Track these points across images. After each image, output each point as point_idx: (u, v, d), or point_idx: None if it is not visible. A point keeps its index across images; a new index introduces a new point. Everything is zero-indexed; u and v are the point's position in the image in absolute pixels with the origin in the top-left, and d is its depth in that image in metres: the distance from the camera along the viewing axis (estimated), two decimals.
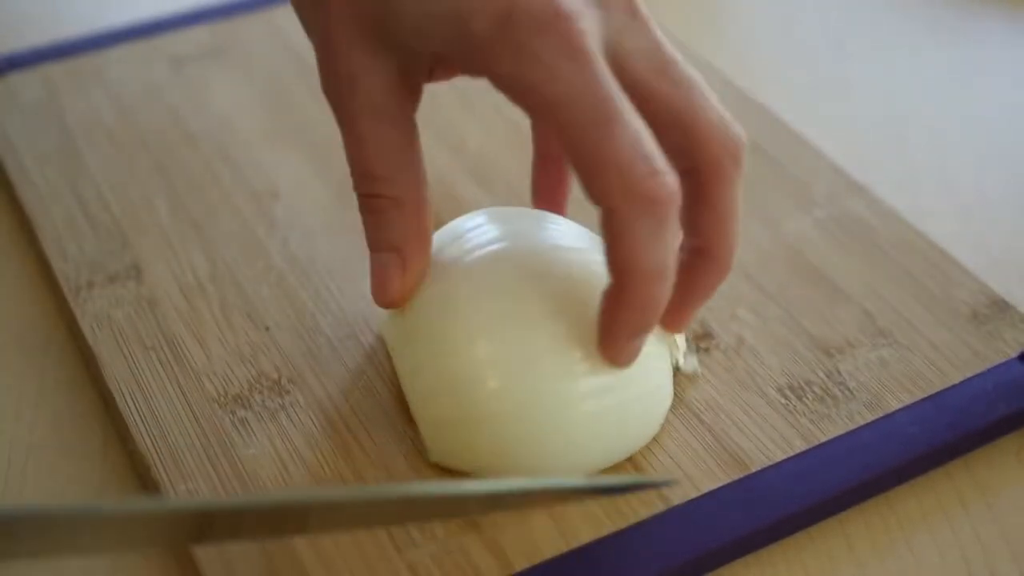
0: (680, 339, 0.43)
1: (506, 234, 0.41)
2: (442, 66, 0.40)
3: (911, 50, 0.64)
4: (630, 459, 0.41)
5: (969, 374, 0.43)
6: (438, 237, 0.42)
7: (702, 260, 0.38)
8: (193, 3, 0.64)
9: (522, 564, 0.38)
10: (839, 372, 0.43)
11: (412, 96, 0.39)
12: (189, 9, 0.63)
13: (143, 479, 0.42)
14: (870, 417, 0.42)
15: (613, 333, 0.37)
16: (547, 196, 0.45)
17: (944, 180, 0.55)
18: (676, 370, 0.42)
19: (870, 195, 0.51)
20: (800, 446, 0.41)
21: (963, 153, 0.57)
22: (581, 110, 0.34)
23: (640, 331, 0.37)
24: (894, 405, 0.42)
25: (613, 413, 0.39)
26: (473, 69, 0.36)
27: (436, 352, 0.39)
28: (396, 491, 0.34)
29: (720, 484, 0.40)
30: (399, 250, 0.39)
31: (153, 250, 0.49)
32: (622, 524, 0.39)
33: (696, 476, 0.40)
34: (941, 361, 0.44)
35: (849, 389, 0.43)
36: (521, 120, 0.41)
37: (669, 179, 0.35)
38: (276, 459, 0.41)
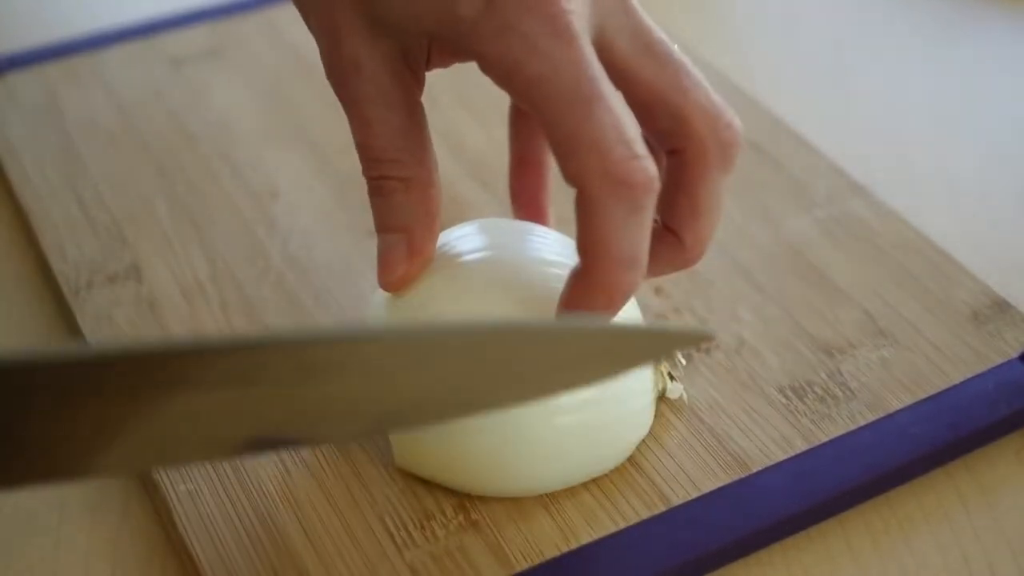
0: (668, 366, 0.42)
1: (489, 244, 0.40)
2: (437, 50, 0.40)
3: (911, 50, 0.64)
4: (630, 459, 0.41)
5: (970, 374, 0.43)
6: None
7: (669, 240, 0.37)
8: (193, 3, 0.64)
9: (522, 564, 0.38)
10: (840, 372, 0.43)
11: (416, 81, 0.39)
12: (189, 9, 0.63)
13: (143, 479, 0.42)
14: (871, 417, 0.42)
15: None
16: (527, 203, 0.44)
17: (944, 180, 0.55)
18: (662, 396, 0.42)
19: (870, 195, 0.51)
20: (801, 446, 0.41)
21: (963, 153, 0.57)
22: (563, 88, 0.34)
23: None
24: (895, 405, 0.42)
25: (584, 431, 0.39)
26: (461, 51, 0.36)
27: None
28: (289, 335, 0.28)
29: (721, 484, 0.40)
30: (406, 231, 0.39)
31: (153, 250, 0.49)
32: (622, 524, 0.39)
33: (696, 476, 0.40)
34: (942, 361, 0.44)
35: (850, 389, 0.43)
36: None
37: (648, 164, 0.34)
38: (276, 459, 0.41)
